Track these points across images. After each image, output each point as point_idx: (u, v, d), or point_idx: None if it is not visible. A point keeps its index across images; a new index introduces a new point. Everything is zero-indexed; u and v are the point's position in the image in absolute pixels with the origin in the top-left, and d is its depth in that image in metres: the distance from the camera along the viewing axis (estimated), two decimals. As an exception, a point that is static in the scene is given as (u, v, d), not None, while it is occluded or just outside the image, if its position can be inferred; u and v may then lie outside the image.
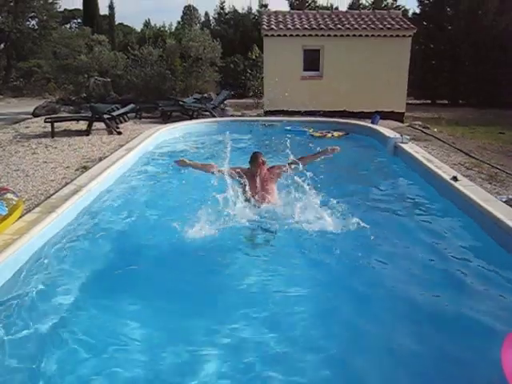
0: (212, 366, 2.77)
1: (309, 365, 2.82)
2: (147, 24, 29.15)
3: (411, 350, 2.96)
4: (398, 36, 13.79)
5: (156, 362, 2.82)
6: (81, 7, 30.10)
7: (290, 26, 13.99)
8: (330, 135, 10.44)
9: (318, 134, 10.49)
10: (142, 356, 2.87)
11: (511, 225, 4.15)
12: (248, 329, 3.13)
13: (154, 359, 2.84)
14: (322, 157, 5.24)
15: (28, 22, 29.00)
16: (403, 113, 14.04)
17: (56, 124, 10.39)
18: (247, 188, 4.94)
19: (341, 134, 10.57)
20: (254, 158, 5.09)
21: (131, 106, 12.36)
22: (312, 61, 14.17)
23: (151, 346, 2.97)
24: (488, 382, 2.66)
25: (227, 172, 4.92)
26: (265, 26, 14.00)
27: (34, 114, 13.98)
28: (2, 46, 28.61)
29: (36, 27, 29.20)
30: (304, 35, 13.93)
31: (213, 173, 4.99)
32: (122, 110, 11.46)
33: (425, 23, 22.08)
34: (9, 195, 4.66)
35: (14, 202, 4.56)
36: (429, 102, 21.99)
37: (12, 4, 26.96)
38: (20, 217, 4.52)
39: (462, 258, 4.17)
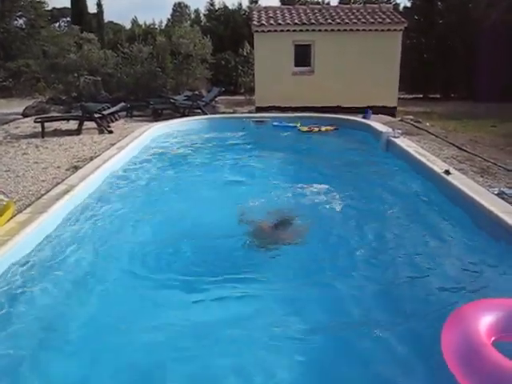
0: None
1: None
2: (134, 22, 28.96)
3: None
4: (389, 30, 13.77)
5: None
6: (69, 6, 29.85)
7: (280, 22, 13.92)
8: (317, 129, 10.44)
9: (305, 129, 10.51)
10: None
11: (503, 217, 4.16)
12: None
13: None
14: None
15: (16, 21, 28.65)
16: (395, 107, 14.05)
17: (46, 124, 10.27)
18: None
19: (330, 128, 10.57)
20: None
21: (122, 104, 12.26)
22: (303, 56, 14.13)
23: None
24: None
25: None
26: (255, 22, 13.93)
27: (24, 115, 13.83)
28: (-11, 45, 28.23)
29: (24, 26, 28.84)
30: (295, 30, 13.87)
31: None
32: (112, 109, 11.37)
33: (416, 17, 22.08)
34: (-1, 196, 4.62)
35: (4, 203, 4.51)
36: (420, 96, 22.02)
37: (-2, 3, 26.65)
38: (11, 217, 4.46)
39: (454, 250, 4.22)
